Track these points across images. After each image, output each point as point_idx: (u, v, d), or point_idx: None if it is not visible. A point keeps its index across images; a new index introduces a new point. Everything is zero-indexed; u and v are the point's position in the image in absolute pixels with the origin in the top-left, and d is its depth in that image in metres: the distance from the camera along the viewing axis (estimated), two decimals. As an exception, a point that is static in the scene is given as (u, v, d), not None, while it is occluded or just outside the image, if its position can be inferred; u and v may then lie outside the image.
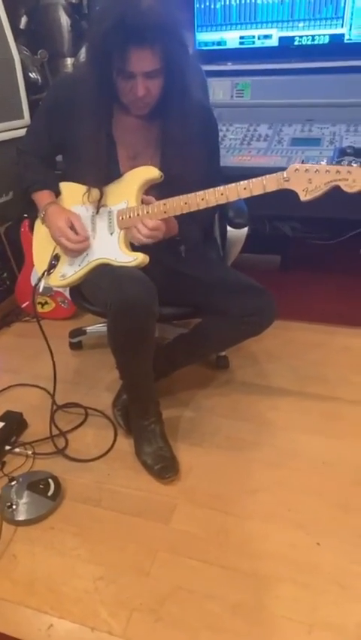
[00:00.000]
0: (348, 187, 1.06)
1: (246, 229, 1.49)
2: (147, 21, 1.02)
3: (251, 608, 1.02)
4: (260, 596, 1.04)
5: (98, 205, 1.28)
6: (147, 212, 1.23)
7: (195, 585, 1.07)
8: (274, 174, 1.12)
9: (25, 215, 2.02)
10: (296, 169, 1.10)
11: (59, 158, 1.43)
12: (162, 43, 1.06)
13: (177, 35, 1.09)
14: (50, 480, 1.30)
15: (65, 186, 1.36)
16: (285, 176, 1.11)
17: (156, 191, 1.26)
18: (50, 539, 1.18)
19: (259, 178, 1.13)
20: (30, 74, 2.20)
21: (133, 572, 1.10)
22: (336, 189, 1.08)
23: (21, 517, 1.21)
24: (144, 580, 1.08)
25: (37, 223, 1.42)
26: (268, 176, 1.13)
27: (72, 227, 1.28)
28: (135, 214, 1.25)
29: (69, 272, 1.34)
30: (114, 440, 1.47)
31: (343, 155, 1.63)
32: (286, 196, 1.13)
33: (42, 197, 1.36)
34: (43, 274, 1.36)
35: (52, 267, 1.35)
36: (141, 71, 1.09)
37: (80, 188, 1.29)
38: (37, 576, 1.10)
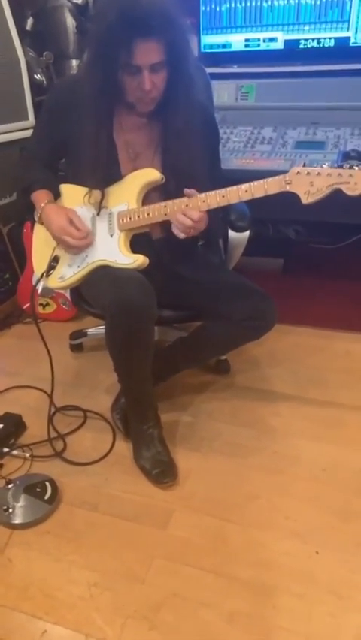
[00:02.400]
0: (350, 190, 1.05)
1: (247, 233, 1.48)
2: (152, 12, 1.03)
3: (247, 617, 1.00)
4: (256, 605, 1.03)
5: (100, 206, 1.27)
6: (148, 215, 1.22)
7: (190, 593, 1.05)
8: (276, 177, 1.12)
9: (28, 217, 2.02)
10: (298, 172, 1.09)
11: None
12: (167, 34, 1.07)
13: (179, 26, 1.10)
14: (47, 483, 1.29)
15: (66, 188, 1.36)
16: (287, 178, 1.11)
17: (159, 188, 1.25)
18: (45, 544, 1.17)
19: (261, 181, 1.12)
20: (35, 76, 2.21)
21: (128, 579, 1.09)
22: (338, 192, 1.07)
23: (17, 520, 1.21)
24: (139, 587, 1.07)
25: (37, 224, 1.41)
26: (270, 178, 1.12)
27: (72, 224, 1.27)
28: (136, 216, 1.24)
29: (68, 273, 1.33)
30: (113, 444, 1.46)
31: (347, 158, 1.62)
32: (290, 199, 1.12)
33: (39, 196, 1.34)
34: (42, 276, 1.36)
35: (51, 268, 1.35)
36: (148, 63, 1.09)
37: (81, 190, 1.28)
38: (32, 581, 1.09)
